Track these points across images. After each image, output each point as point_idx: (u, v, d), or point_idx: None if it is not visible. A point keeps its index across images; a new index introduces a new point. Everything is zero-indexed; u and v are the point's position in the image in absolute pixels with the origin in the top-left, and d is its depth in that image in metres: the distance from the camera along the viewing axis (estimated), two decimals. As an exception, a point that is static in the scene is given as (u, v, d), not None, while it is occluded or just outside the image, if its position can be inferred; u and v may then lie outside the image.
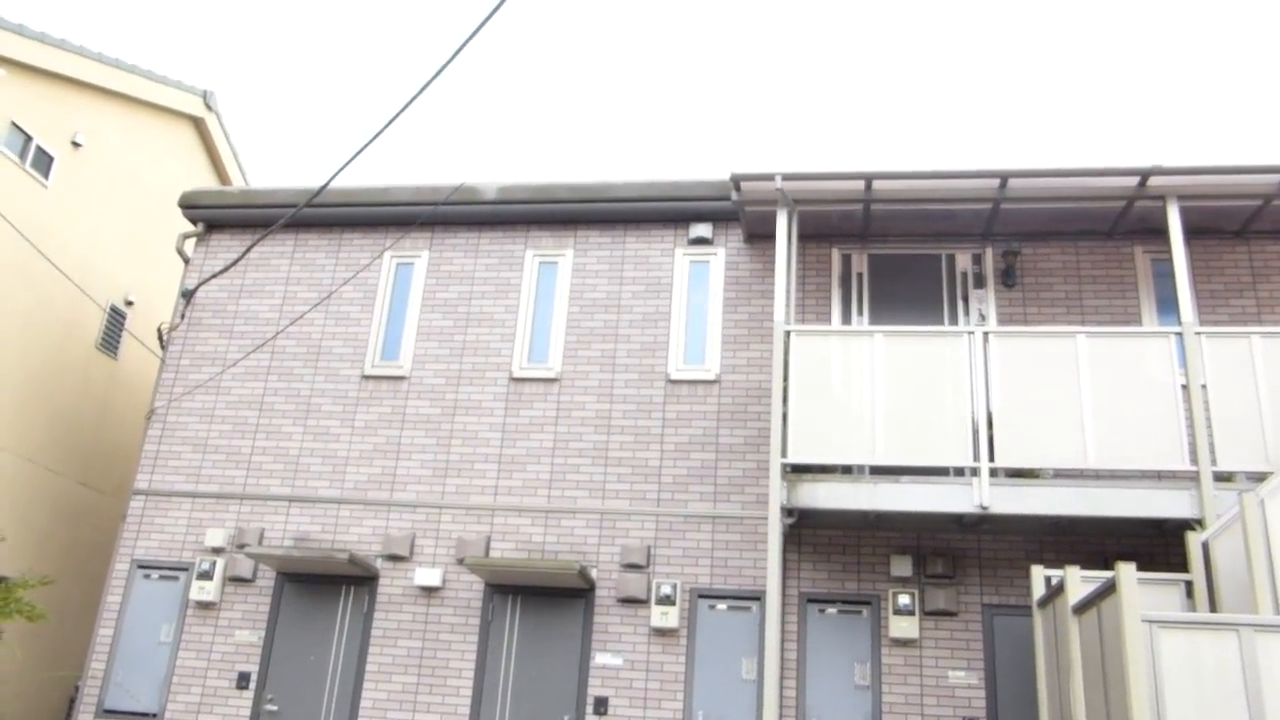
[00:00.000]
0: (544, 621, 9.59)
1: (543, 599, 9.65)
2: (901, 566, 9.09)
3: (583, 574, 9.20)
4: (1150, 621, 5.57)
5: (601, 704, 9.17)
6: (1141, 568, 7.66)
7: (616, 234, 10.88)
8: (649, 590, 9.42)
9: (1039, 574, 7.74)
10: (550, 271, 10.90)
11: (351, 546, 10.06)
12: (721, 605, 9.39)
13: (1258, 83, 35.53)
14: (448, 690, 9.50)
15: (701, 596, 9.43)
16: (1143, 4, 34.47)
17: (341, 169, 8.08)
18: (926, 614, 8.98)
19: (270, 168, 38.20)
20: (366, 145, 7.65)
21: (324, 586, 10.06)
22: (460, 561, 9.69)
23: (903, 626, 8.88)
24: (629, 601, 9.44)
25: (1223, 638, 5.50)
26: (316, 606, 10.03)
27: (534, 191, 11.03)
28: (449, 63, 6.76)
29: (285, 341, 11.05)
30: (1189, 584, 7.41)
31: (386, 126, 7.51)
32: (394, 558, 9.98)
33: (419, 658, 9.65)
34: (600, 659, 9.34)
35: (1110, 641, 5.76)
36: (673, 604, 9.31)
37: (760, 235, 10.41)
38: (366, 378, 10.79)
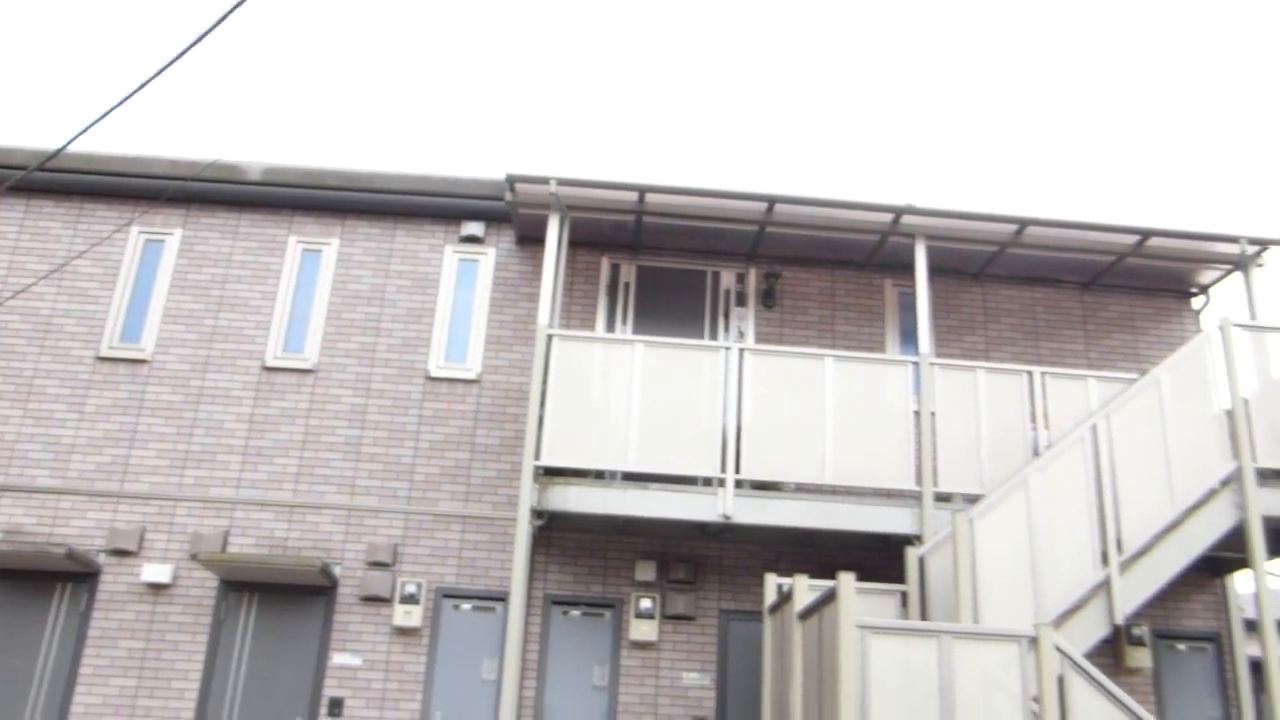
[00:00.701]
0: (282, 620, 9.21)
1: (282, 597, 9.26)
2: (646, 571, 9.31)
3: (325, 571, 8.90)
4: (863, 627, 5.95)
5: (337, 705, 8.90)
6: (865, 579, 8.18)
7: (386, 226, 10.62)
8: (393, 589, 9.22)
9: (772, 582, 8.12)
10: (314, 259, 10.51)
11: (72, 540, 9.32)
12: (466, 605, 9.32)
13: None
14: (171, 693, 8.96)
15: (446, 596, 9.32)
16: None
17: (80, 134, 7.47)
18: (666, 618, 9.24)
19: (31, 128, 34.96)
20: (108, 112, 7.11)
21: (36, 584, 9.26)
22: (193, 557, 9.16)
23: (643, 630, 9.10)
24: (372, 600, 9.22)
25: (926, 644, 5.94)
26: (25, 605, 9.22)
27: (302, 176, 10.60)
28: (212, 29, 6.40)
29: (8, 316, 10.12)
30: (905, 595, 7.97)
31: (133, 94, 7.02)
32: (120, 552, 9.31)
33: (140, 659, 9.05)
34: (339, 659, 9.06)
35: (828, 645, 6.11)
36: (417, 603, 9.15)
37: (532, 239, 10.43)
38: (102, 359, 10.03)
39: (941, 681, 5.79)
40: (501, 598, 9.24)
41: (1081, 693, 5.93)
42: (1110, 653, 9.46)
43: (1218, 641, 9.63)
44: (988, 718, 5.79)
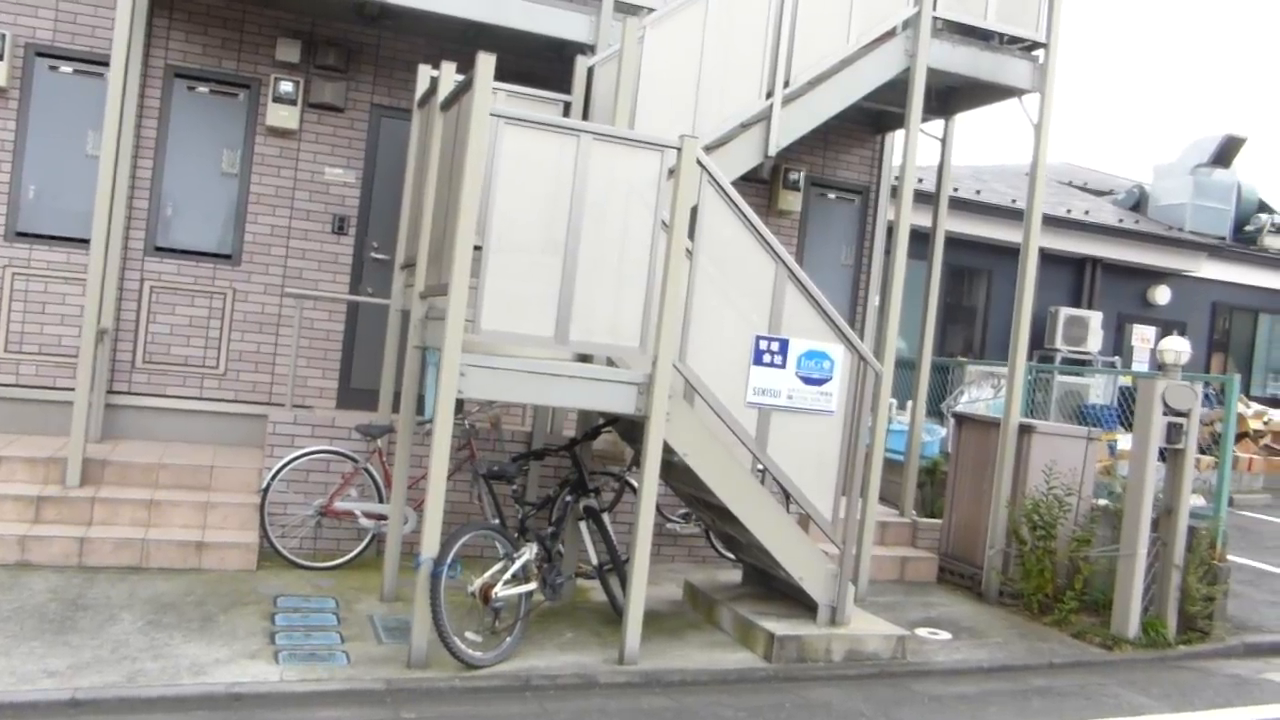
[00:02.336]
0: None
1: None
2: (289, 51, 8.13)
3: None
4: (498, 116, 5.33)
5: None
6: (535, 87, 7.58)
7: None
8: (-36, 33, 7.55)
9: (425, 73, 7.24)
10: None
11: None
12: (66, 68, 7.84)
13: None
14: None
15: (41, 55, 7.78)
16: None
17: None
18: (311, 106, 8.26)
19: None
20: None
21: None
22: None
23: (282, 116, 8.11)
24: (-64, 43, 7.53)
25: (564, 142, 5.44)
26: None
27: None
28: None
29: None
30: (568, 105, 7.41)
31: None
32: None
33: None
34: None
35: (461, 134, 5.47)
36: (1, 59, 7.58)
37: None
38: None
39: (576, 185, 5.39)
40: (109, 62, 7.80)
41: (716, 213, 5.77)
42: (765, 194, 9.63)
43: (865, 195, 10.02)
44: (624, 226, 5.53)
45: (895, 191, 9.24)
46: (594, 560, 6.48)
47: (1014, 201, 15.19)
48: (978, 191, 14.94)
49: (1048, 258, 15.44)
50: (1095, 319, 14.96)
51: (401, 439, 6.42)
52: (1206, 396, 11.78)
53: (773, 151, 7.13)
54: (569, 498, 6.25)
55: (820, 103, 7.36)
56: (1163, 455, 7.01)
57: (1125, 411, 10.04)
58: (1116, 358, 15.53)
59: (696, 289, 5.73)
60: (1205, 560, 7.04)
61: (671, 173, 5.58)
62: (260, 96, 8.19)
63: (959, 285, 15.57)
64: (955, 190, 14.54)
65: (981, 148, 51.22)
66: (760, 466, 6.09)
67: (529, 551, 5.74)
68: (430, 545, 5.27)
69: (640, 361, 5.68)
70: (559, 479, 6.60)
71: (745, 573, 7.04)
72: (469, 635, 5.40)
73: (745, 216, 5.82)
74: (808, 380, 5.97)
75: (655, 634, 6.21)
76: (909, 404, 11.80)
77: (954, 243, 14.30)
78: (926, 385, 9.02)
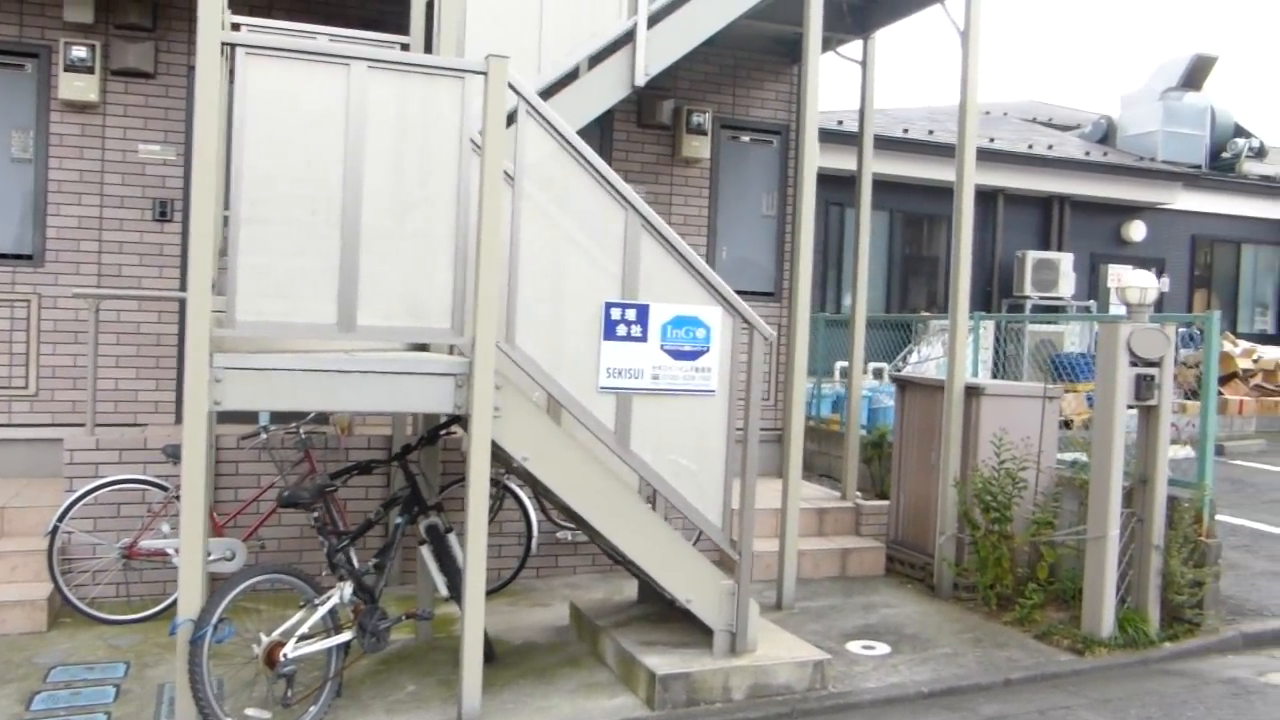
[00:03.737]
0: None
1: None
2: (80, 10, 6.87)
3: None
4: (239, 46, 4.12)
5: None
6: (370, 28, 6.41)
7: None
8: None
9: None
10: None
11: None
12: None
13: None
14: None
15: None
16: None
17: None
18: (113, 74, 7.02)
19: None
20: None
21: None
22: None
23: (78, 87, 6.86)
24: None
25: (331, 73, 4.23)
26: None
27: None
28: None
29: None
30: (406, 46, 6.19)
31: None
32: None
33: None
34: None
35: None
36: None
37: None
38: None
39: (352, 129, 4.18)
40: None
41: (544, 155, 4.55)
42: (668, 141, 8.41)
43: (784, 135, 8.79)
44: (421, 178, 4.33)
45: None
46: (443, 591, 5.29)
47: (970, 140, 13.96)
48: (930, 132, 13.72)
49: (1012, 199, 14.27)
50: (1066, 261, 13.78)
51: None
52: (1190, 337, 10.66)
53: (640, 81, 5.89)
54: (400, 519, 5.06)
55: (697, 19, 6.09)
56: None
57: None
58: (1091, 302, 14.37)
59: (525, 250, 4.53)
60: (1190, 538, 5.87)
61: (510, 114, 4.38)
62: (51, 66, 6.94)
63: (917, 235, 14.37)
64: (905, 131, 13.34)
65: (936, 88, 49.82)
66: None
67: (339, 594, 4.56)
68: (189, 603, 4.10)
69: (455, 346, 4.49)
70: (389, 498, 5.40)
71: (640, 589, 5.87)
72: (250, 713, 4.24)
73: (582, 156, 4.61)
74: (677, 354, 4.78)
75: (520, 677, 5.06)
76: (870, 366, 10.73)
77: (908, 188, 13.16)
78: (862, 346, 7.85)
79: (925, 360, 9.26)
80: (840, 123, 12.97)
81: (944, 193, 14.07)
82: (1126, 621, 5.71)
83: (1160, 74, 16.00)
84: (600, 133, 8.21)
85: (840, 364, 10.76)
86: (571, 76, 5.79)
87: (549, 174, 4.58)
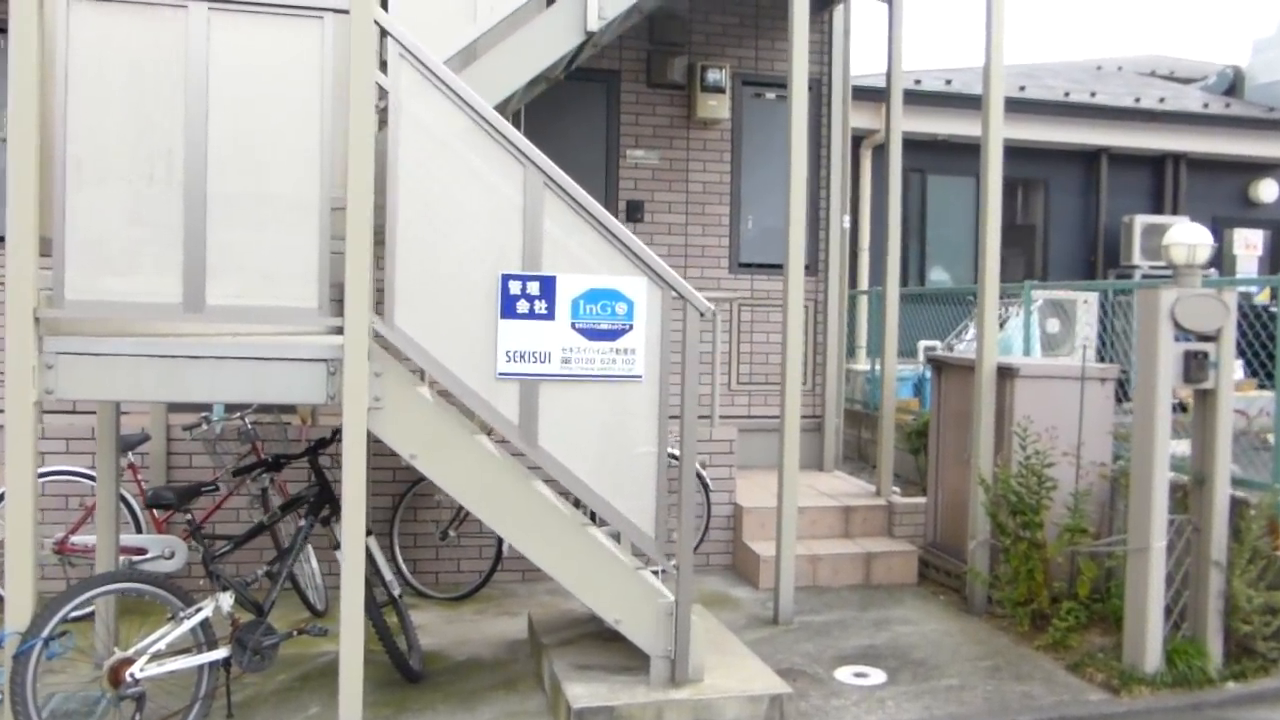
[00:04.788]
0: None
1: None
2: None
3: None
4: (65, -11, 3.63)
5: None
6: None
7: None
8: None
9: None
10: None
11: None
12: None
13: None
14: None
15: None
16: None
17: None
18: None
19: None
20: None
21: None
22: None
23: None
24: None
25: (170, 17, 3.69)
26: None
27: None
28: None
29: None
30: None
31: None
32: None
33: None
34: None
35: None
36: None
37: None
38: None
39: (192, 80, 3.64)
40: None
41: (425, 106, 3.90)
42: (682, 102, 7.64)
43: (815, 90, 7.89)
44: (277, 133, 3.75)
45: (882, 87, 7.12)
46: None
47: (1067, 95, 12.67)
48: (1021, 88, 12.46)
49: (1116, 159, 12.88)
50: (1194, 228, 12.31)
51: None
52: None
53: (593, 26, 5.15)
54: (304, 521, 4.53)
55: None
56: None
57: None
58: (1213, 270, 12.81)
59: (403, 215, 3.90)
60: (1263, 551, 4.82)
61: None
62: None
63: (1010, 200, 13.12)
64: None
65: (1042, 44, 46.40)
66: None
67: (211, 606, 4.06)
68: (18, 613, 3.65)
69: (324, 326, 3.90)
70: (291, 498, 4.85)
71: (600, 601, 5.19)
72: (87, 741, 3.78)
73: (471, 107, 3.93)
74: (593, 334, 4.07)
75: (441, 700, 4.49)
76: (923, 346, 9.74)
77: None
78: (895, 323, 6.95)
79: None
80: (918, 82, 11.91)
81: (1042, 154, 12.83)
82: (1178, 654, 4.71)
83: (1297, 13, 14.19)
84: (606, 94, 7.53)
85: (924, 343, 9.83)
86: (505, 24, 5.10)
87: (431, 127, 3.93)
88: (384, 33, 3.86)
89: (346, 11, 3.75)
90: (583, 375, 4.07)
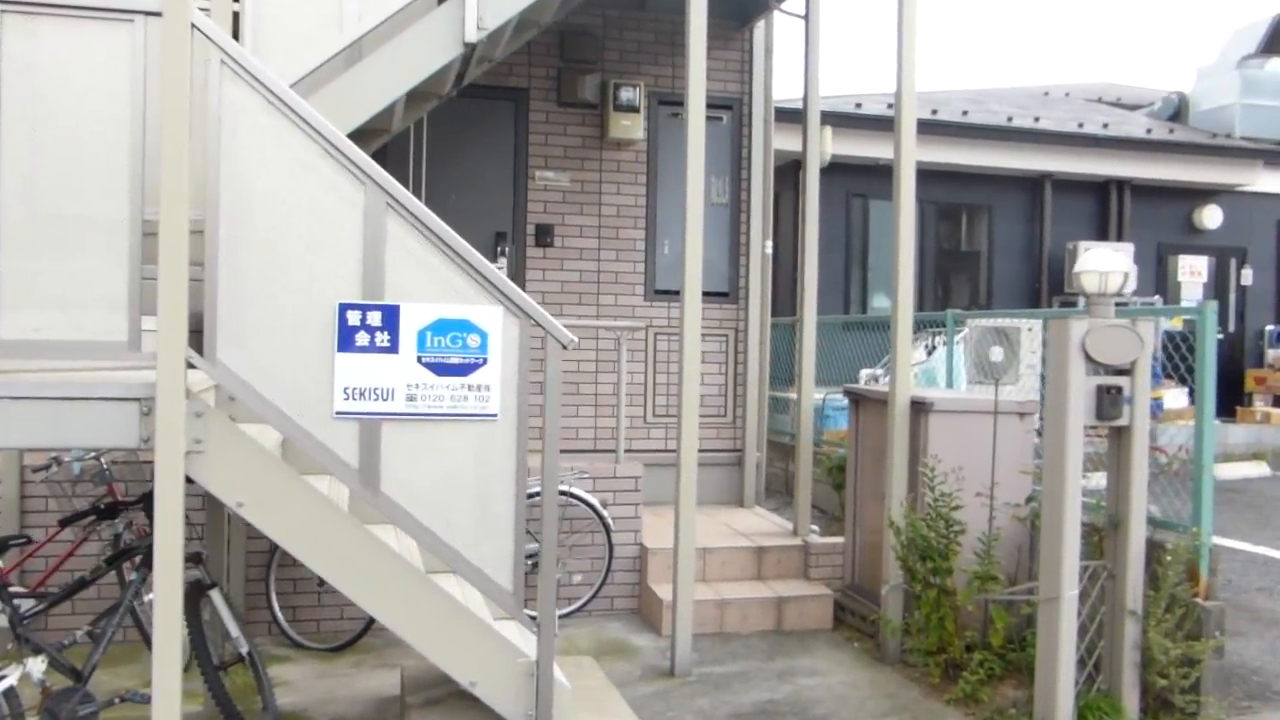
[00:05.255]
0: None
1: None
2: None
3: None
4: None
5: None
6: None
7: None
8: None
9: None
10: None
11: None
12: None
13: None
14: None
15: None
16: None
17: None
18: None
19: None
20: None
21: None
22: None
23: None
24: None
25: None
26: None
27: None
28: None
29: None
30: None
31: None
32: None
33: None
34: None
35: None
36: None
37: None
38: None
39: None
40: None
41: (251, 121, 3.53)
42: (595, 121, 7.33)
43: (737, 109, 7.61)
44: (82, 147, 3.38)
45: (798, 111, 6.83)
46: (215, 658, 4.30)
47: (1010, 120, 12.53)
48: (964, 113, 12.30)
49: (1060, 185, 12.74)
50: (1125, 253, 12.16)
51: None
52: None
53: (472, 37, 4.82)
54: (135, 575, 4.11)
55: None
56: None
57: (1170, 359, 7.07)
58: (1157, 297, 12.68)
59: (225, 237, 3.52)
60: (1181, 599, 4.51)
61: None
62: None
63: (954, 226, 12.96)
64: (935, 113, 11.97)
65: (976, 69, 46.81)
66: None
67: (17, 673, 3.64)
68: None
69: (136, 361, 3.51)
70: (118, 550, 4.44)
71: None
72: None
73: (303, 119, 3.57)
74: (441, 369, 3.70)
75: (281, 775, 4.06)
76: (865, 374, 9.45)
77: (942, 175, 11.77)
78: (812, 353, 6.63)
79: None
80: (859, 105, 11.72)
81: (986, 180, 12.64)
82: (1090, 710, 4.38)
83: (1236, 40, 14.15)
84: (515, 112, 7.20)
85: (865, 371, 9.55)
86: (377, 33, 4.76)
87: (257, 142, 3.56)
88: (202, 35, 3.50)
89: (159, 14, 3.39)
90: (430, 414, 3.70)
